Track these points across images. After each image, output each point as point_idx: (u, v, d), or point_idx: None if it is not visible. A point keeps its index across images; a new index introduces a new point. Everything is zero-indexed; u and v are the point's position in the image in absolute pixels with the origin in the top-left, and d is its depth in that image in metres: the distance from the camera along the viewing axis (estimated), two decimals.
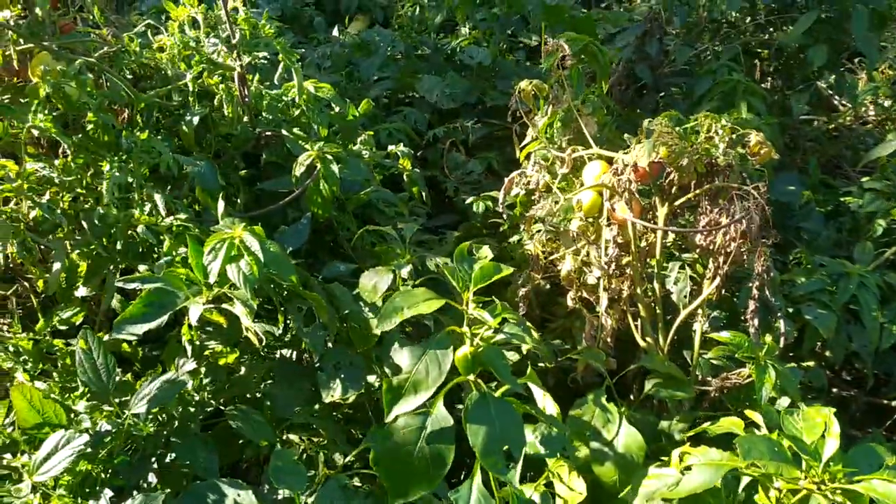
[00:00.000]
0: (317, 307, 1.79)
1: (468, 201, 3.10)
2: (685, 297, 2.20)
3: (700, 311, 2.07)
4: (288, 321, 2.06)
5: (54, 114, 1.87)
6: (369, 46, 3.83)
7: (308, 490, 1.87)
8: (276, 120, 2.29)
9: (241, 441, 2.05)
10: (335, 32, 4.58)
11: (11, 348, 1.83)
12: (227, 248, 1.59)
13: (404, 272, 1.85)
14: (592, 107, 2.45)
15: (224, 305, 1.64)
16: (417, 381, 1.35)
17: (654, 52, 3.84)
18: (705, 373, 2.10)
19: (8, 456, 1.78)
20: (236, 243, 1.60)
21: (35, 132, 1.78)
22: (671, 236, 2.30)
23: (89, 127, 1.89)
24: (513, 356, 1.95)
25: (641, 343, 2.16)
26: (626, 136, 2.20)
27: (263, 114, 2.30)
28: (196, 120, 2.07)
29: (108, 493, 1.68)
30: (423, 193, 2.72)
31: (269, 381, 2.13)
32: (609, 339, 2.12)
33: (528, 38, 5.21)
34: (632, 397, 2.25)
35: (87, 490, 1.69)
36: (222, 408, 1.98)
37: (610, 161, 2.17)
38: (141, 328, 1.62)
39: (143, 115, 2.10)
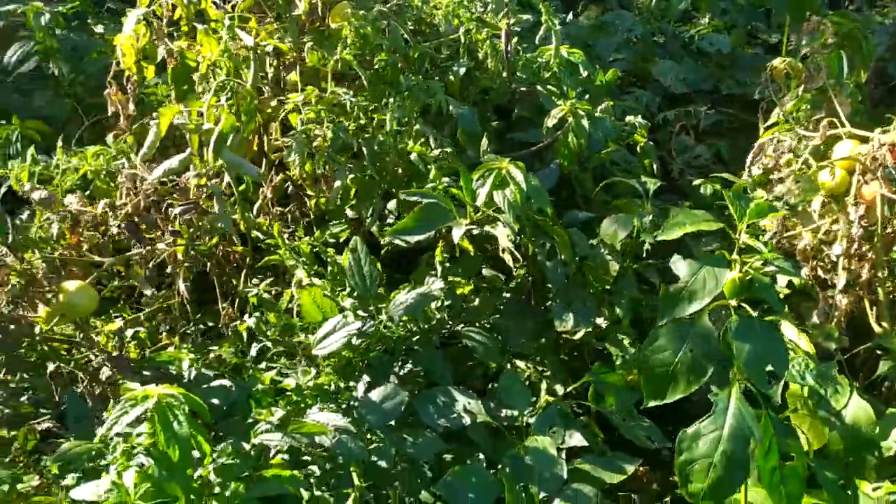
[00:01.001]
0: (561, 244, 1.94)
1: (695, 182, 3.12)
2: None
3: None
4: (515, 266, 2.24)
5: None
6: (608, 28, 3.94)
7: (530, 412, 2.04)
8: (529, 79, 2.46)
9: (470, 363, 2.25)
10: (569, 18, 4.73)
11: (292, 251, 2.15)
12: (494, 176, 1.78)
13: (646, 220, 1.95)
14: (847, 90, 2.41)
15: (486, 227, 1.82)
16: (694, 290, 1.45)
17: None
18: None
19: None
20: (503, 173, 1.78)
21: (332, 69, 2.07)
22: None
23: (377, 66, 2.16)
24: None
25: (877, 328, 2.10)
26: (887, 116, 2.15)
27: (517, 73, 2.48)
28: (462, 71, 2.29)
29: (365, 377, 1.94)
30: (654, 166, 2.79)
31: (498, 316, 2.31)
32: (842, 320, 2.09)
33: (767, 35, 5.08)
34: (857, 384, 2.19)
35: (347, 374, 1.96)
36: (458, 329, 2.19)
37: (864, 141, 2.13)
38: (413, 238, 1.86)
39: (416, 64, 2.35)
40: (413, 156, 2.02)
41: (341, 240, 2.37)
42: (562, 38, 4.03)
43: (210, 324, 2.49)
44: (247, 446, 1.74)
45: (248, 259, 2.23)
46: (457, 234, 1.84)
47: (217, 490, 1.60)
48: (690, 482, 1.32)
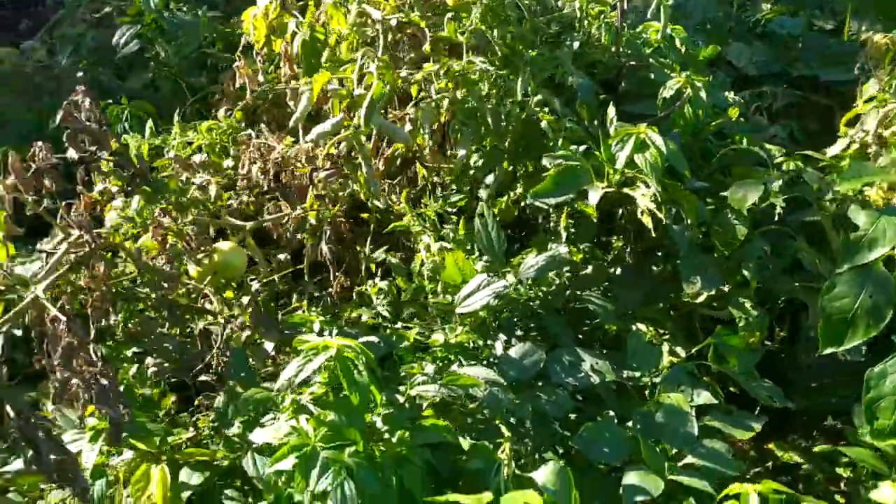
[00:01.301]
0: (688, 209, 2.00)
1: (777, 159, 3.17)
2: None
3: None
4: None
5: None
6: (682, 11, 4.00)
7: (654, 373, 2.11)
8: (634, 55, 2.53)
9: (584, 328, 2.32)
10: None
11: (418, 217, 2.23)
12: (634, 140, 1.85)
13: (775, 185, 2.02)
14: None
15: (625, 190, 1.89)
16: (874, 238, 1.51)
17: None
18: None
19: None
20: (642, 137, 1.85)
21: (467, 41, 2.14)
22: None
23: (499, 39, 2.23)
24: None
25: None
26: None
27: (621, 48, 2.55)
28: (576, 45, 2.36)
29: (502, 337, 2.01)
30: (745, 140, 2.85)
31: (607, 283, 2.38)
32: None
33: (822, 21, 5.14)
34: None
35: (482, 333, 2.03)
36: (576, 294, 2.26)
37: None
38: (552, 200, 1.93)
39: (529, 38, 2.41)
40: (543, 123, 2.09)
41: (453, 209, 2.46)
42: (641, 18, 4.11)
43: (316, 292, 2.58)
44: (400, 398, 1.82)
45: (372, 226, 2.31)
46: (594, 196, 1.91)
47: (385, 436, 1.68)
48: (877, 418, 1.38)
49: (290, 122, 2.42)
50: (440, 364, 1.89)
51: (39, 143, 1.71)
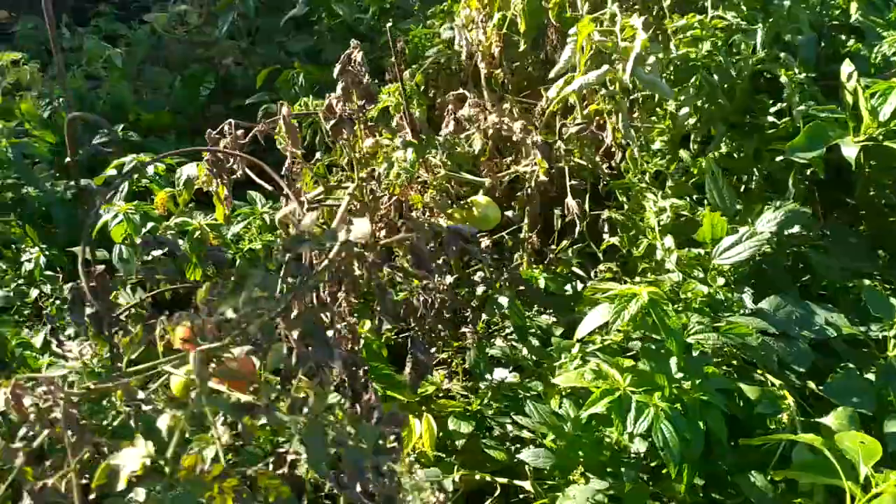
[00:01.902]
0: None
1: None
2: None
3: None
4: None
5: None
6: None
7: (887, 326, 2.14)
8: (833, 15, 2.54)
9: (798, 283, 2.35)
10: None
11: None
12: None
13: None
14: None
15: (886, 143, 1.91)
16: None
17: None
18: None
19: None
20: None
21: None
22: None
23: None
24: None
25: None
26: None
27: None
28: (787, 3, 2.36)
29: (748, 290, 2.05)
30: None
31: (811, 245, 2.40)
32: None
33: None
34: None
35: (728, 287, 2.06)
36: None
37: None
38: (807, 154, 1.95)
39: None
40: (783, 79, 2.10)
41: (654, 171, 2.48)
42: None
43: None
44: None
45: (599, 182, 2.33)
46: (849, 151, 1.93)
47: (681, 383, 1.71)
48: None
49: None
50: (704, 314, 1.92)
51: (333, 95, 1.73)
